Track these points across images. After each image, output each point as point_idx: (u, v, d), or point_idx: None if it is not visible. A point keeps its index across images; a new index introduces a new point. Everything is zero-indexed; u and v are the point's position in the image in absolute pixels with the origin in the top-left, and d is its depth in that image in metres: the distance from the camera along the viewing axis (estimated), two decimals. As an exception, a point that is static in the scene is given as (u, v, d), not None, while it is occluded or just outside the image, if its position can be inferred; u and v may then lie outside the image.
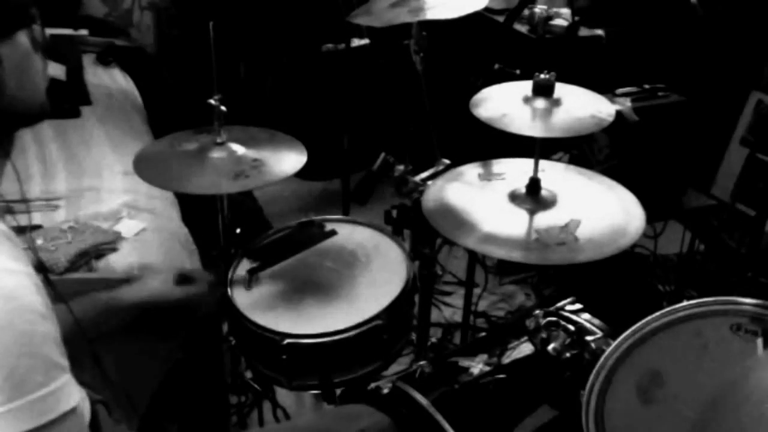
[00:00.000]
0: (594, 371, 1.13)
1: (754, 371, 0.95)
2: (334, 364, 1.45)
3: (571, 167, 1.63)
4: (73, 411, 0.82)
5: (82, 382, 0.90)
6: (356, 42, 2.98)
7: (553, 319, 1.42)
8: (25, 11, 0.93)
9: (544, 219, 1.40)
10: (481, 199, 1.47)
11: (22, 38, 0.92)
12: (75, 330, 1.04)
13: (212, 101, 1.54)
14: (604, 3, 2.86)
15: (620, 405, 1.10)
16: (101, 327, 1.26)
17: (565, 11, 2.82)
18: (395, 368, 1.54)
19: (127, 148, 2.35)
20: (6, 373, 0.76)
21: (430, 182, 1.58)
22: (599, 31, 2.81)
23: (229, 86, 1.61)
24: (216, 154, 1.56)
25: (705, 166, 2.96)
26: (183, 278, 1.41)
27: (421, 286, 1.69)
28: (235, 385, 1.89)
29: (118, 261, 1.81)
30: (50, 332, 0.82)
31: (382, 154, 1.65)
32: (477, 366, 1.41)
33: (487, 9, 2.12)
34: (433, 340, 2.28)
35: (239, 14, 3.05)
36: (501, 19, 2.83)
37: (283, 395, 1.85)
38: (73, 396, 0.83)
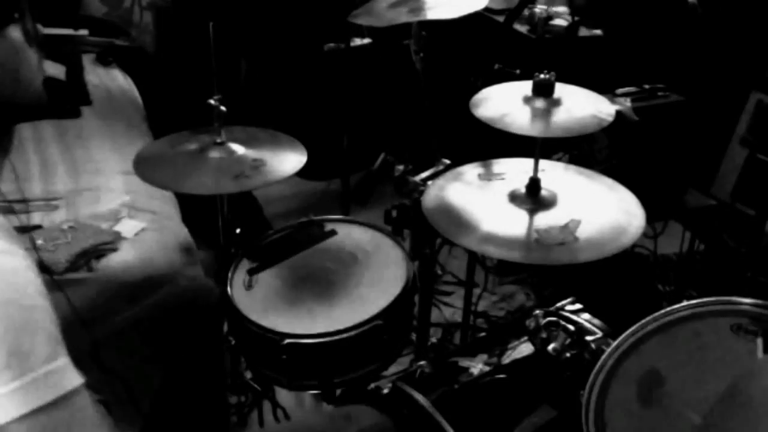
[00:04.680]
0: (594, 371, 1.13)
1: (755, 374, 0.95)
2: (334, 364, 1.45)
3: (571, 167, 1.63)
4: (78, 390, 0.81)
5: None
6: (358, 41, 2.98)
7: (553, 319, 1.42)
8: (14, 5, 0.93)
9: (544, 219, 1.40)
10: (481, 199, 1.47)
11: (15, 33, 0.92)
12: (74, 322, 1.03)
13: (212, 101, 1.54)
14: (602, 2, 2.86)
15: (620, 405, 1.10)
16: (104, 308, 1.26)
17: (564, 9, 2.82)
18: (395, 368, 1.54)
19: (127, 148, 2.34)
20: (12, 349, 0.76)
21: (430, 182, 1.58)
22: (598, 31, 2.81)
23: (230, 86, 1.61)
24: (216, 154, 1.56)
25: (705, 166, 2.96)
26: (185, 248, 1.40)
27: (421, 286, 1.69)
28: (235, 385, 1.89)
29: (118, 261, 1.81)
30: (51, 310, 0.82)
31: (382, 154, 1.65)
32: (477, 366, 1.41)
33: (487, 9, 2.12)
34: (433, 340, 2.28)
35: (240, 14, 3.05)
36: (501, 19, 2.82)
37: (283, 395, 1.85)
38: (77, 376, 0.82)
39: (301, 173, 1.52)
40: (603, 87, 1.69)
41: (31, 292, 0.81)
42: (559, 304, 1.49)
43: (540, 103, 1.40)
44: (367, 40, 2.97)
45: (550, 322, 1.41)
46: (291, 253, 1.64)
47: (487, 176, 1.55)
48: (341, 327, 1.41)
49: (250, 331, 1.45)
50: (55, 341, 0.81)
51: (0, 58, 0.90)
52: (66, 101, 2.59)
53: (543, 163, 1.47)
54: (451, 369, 1.42)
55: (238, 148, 1.57)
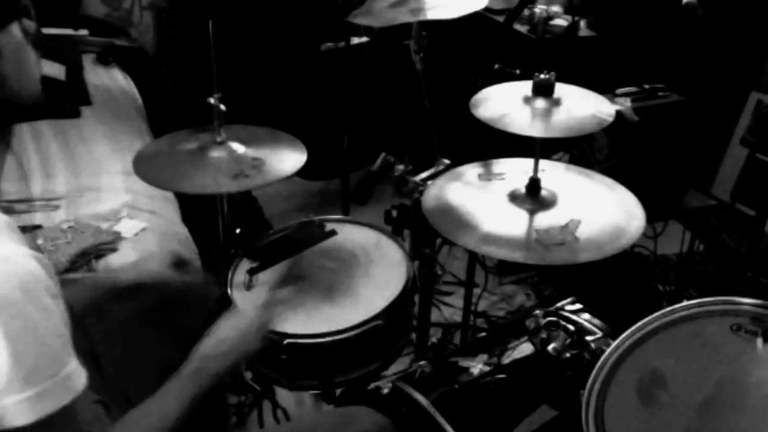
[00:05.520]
0: (594, 371, 1.13)
1: (753, 369, 0.95)
2: (334, 364, 1.45)
3: (571, 167, 1.63)
4: (84, 388, 0.87)
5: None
6: (355, 40, 2.98)
7: (553, 319, 1.42)
8: (16, 2, 0.95)
9: (544, 219, 1.40)
10: (481, 199, 1.47)
11: (15, 29, 0.95)
12: (73, 323, 1.05)
13: (212, 101, 1.54)
14: (601, 3, 2.86)
15: (620, 405, 1.10)
16: (99, 308, 1.27)
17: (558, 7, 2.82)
18: (395, 368, 1.54)
19: (127, 147, 2.35)
20: (36, 355, 0.82)
21: (430, 182, 1.58)
22: (587, 30, 2.80)
23: (229, 85, 1.61)
24: (216, 153, 1.56)
25: (705, 166, 2.96)
26: (178, 262, 1.40)
27: (421, 286, 1.69)
28: (235, 385, 1.89)
29: (118, 261, 1.81)
30: (65, 313, 0.87)
31: (382, 154, 1.65)
32: (477, 366, 1.41)
33: (487, 9, 2.12)
34: (433, 340, 2.28)
35: (238, 14, 3.05)
36: (501, 19, 2.82)
37: (283, 395, 1.85)
38: (83, 373, 0.88)
39: (302, 172, 1.52)
40: (603, 87, 1.69)
41: (51, 295, 0.85)
42: (559, 304, 1.49)
43: (540, 103, 1.40)
44: (364, 39, 2.97)
45: (550, 322, 1.41)
46: (291, 253, 1.64)
47: (487, 176, 1.55)
48: (341, 327, 1.41)
49: (250, 331, 1.45)
50: (69, 344, 0.86)
51: (8, 53, 0.92)
52: (66, 101, 2.59)
53: (543, 163, 1.47)
54: (451, 369, 1.42)
55: (238, 148, 1.57)
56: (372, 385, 1.39)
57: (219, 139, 1.56)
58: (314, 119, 2.94)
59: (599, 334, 1.36)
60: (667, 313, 1.18)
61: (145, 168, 1.54)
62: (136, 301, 1.36)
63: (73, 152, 2.37)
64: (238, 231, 1.71)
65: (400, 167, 1.63)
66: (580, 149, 2.59)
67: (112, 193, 2.13)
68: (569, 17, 2.75)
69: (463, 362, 1.42)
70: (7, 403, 0.81)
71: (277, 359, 1.42)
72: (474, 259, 2.11)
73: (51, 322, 0.84)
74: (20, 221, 1.86)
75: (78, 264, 1.75)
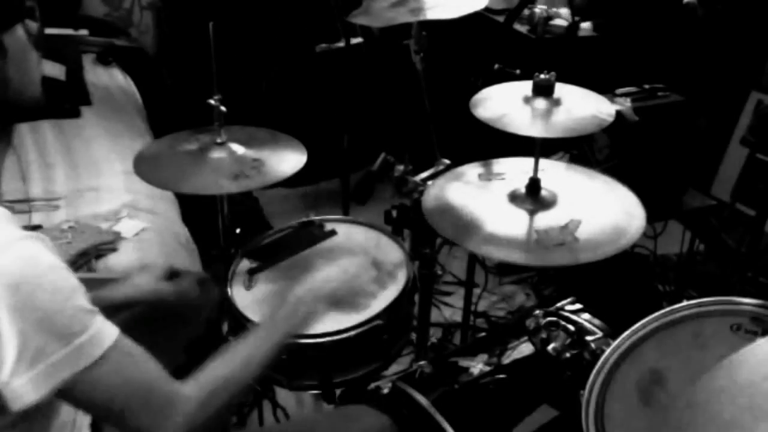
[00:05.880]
0: (594, 371, 1.13)
1: (745, 360, 0.94)
2: (334, 364, 1.45)
3: (571, 167, 1.63)
4: (115, 345, 0.91)
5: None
6: (351, 41, 2.98)
7: (553, 319, 1.42)
8: (22, 3, 0.96)
9: (544, 219, 1.40)
10: (481, 199, 1.47)
11: (20, 31, 0.96)
12: None
13: (212, 101, 1.54)
14: (602, 2, 2.86)
15: (620, 405, 1.10)
16: (103, 309, 1.28)
17: (565, 11, 2.82)
18: (395, 368, 1.54)
19: (128, 148, 2.35)
20: (42, 335, 0.85)
21: (430, 182, 1.58)
22: (587, 25, 2.80)
23: (226, 86, 1.61)
24: (216, 154, 1.56)
25: (705, 166, 2.96)
26: (172, 274, 1.40)
27: (421, 286, 1.69)
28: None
29: (118, 261, 1.81)
30: (76, 283, 0.90)
31: (382, 154, 1.65)
32: (477, 366, 1.41)
33: (487, 9, 2.12)
34: (433, 340, 2.28)
35: (235, 16, 3.05)
36: (501, 19, 2.83)
37: (283, 395, 1.85)
38: (112, 331, 0.92)
39: (297, 178, 1.52)
40: (603, 87, 1.69)
41: (57, 270, 0.88)
42: (559, 304, 1.49)
43: (540, 103, 1.40)
44: (358, 40, 2.96)
45: (550, 322, 1.41)
46: (291, 253, 1.64)
47: (487, 176, 1.55)
48: (341, 327, 1.41)
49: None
50: (84, 311, 0.90)
51: (12, 54, 0.93)
52: (66, 101, 2.59)
53: (543, 163, 1.47)
54: (451, 369, 1.42)
55: (238, 148, 1.57)
56: (372, 385, 1.39)
57: (219, 140, 1.56)
58: (311, 120, 2.94)
59: (599, 334, 1.36)
60: (667, 313, 1.18)
61: (145, 168, 1.54)
62: (132, 312, 1.36)
63: (73, 152, 2.37)
64: (238, 231, 1.71)
65: (400, 167, 1.62)
66: (580, 149, 2.59)
67: (112, 193, 2.13)
68: (569, 17, 2.75)
69: (463, 362, 1.42)
70: (17, 384, 0.85)
71: (277, 359, 1.41)
72: (474, 259, 2.11)
73: (55, 299, 0.86)
74: (20, 221, 1.86)
75: (78, 264, 1.75)
